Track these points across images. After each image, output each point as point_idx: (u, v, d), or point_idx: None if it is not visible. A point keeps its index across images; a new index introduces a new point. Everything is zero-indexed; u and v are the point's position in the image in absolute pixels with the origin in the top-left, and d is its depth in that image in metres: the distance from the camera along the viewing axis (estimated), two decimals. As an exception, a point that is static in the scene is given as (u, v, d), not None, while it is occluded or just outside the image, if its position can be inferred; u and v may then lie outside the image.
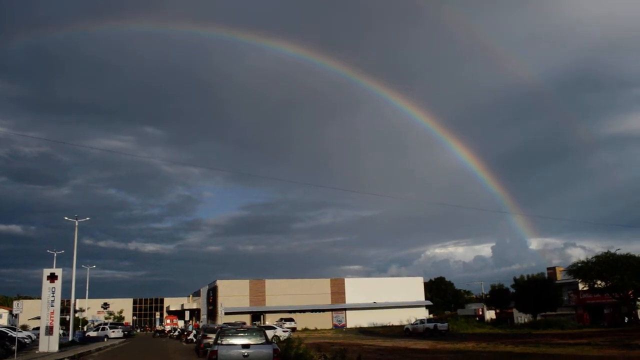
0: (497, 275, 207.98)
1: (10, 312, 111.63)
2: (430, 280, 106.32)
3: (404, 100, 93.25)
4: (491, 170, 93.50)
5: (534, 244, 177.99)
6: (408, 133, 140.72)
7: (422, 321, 56.32)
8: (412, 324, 57.34)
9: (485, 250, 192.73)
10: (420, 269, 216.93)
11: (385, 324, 73.95)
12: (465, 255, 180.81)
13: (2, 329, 43.72)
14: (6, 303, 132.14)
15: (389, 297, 78.57)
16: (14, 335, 33.42)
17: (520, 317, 67.06)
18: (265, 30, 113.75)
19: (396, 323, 72.60)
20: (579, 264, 51.83)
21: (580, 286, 57.62)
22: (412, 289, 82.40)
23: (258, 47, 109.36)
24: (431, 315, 79.72)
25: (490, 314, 77.62)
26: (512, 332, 49.78)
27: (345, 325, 76.10)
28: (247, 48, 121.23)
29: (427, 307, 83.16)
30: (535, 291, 57.70)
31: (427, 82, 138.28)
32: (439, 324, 53.70)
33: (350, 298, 78.39)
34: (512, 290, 64.22)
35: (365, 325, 74.05)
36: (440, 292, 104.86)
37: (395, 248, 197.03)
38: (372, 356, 24.92)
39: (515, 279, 62.08)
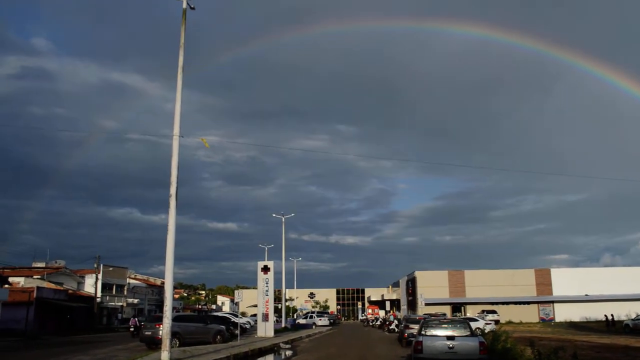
0: None
1: (232, 300, 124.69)
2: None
3: (609, 70, 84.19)
4: None
5: None
6: (616, 105, 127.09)
7: (645, 316, 50.47)
8: (633, 320, 51.64)
9: None
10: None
11: (599, 319, 67.75)
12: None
13: (227, 315, 49.03)
14: (227, 292, 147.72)
15: (602, 289, 71.62)
16: (237, 321, 37.26)
17: None
18: (448, 16, 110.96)
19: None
20: None
21: None
22: (631, 280, 74.13)
23: (442, 34, 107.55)
24: (656, 310, 71.11)
25: None
26: None
27: (553, 318, 71.45)
28: (431, 36, 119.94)
29: (650, 300, 74.30)
30: None
31: (636, 45, 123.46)
32: (666, 320, 47.60)
33: (558, 290, 73.30)
34: None
35: (576, 319, 68.68)
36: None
37: (607, 235, 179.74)
38: (587, 353, 23.11)
39: None
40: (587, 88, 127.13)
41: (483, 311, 64.28)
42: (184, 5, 19.57)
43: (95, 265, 60.81)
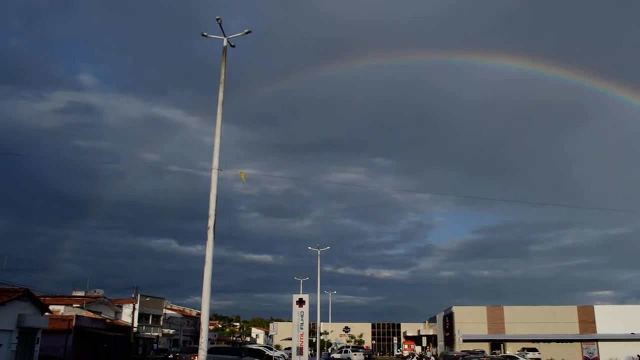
0: None
1: (266, 333, 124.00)
2: None
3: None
4: None
5: None
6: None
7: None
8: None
9: None
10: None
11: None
12: None
13: (261, 348, 48.87)
14: (261, 324, 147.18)
15: (650, 328, 68.89)
16: (271, 354, 37.05)
17: None
18: (487, 49, 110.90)
19: (662, 358, 63.23)
20: None
21: None
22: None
23: (481, 68, 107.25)
24: None
25: None
26: None
27: (597, 358, 68.81)
28: (470, 69, 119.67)
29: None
30: None
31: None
32: None
33: (602, 327, 70.72)
34: None
35: (622, 359, 65.98)
36: None
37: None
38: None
39: None
40: (629, 120, 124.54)
41: (523, 349, 62.47)
42: (225, 43, 20.08)
43: (133, 295, 61.51)
